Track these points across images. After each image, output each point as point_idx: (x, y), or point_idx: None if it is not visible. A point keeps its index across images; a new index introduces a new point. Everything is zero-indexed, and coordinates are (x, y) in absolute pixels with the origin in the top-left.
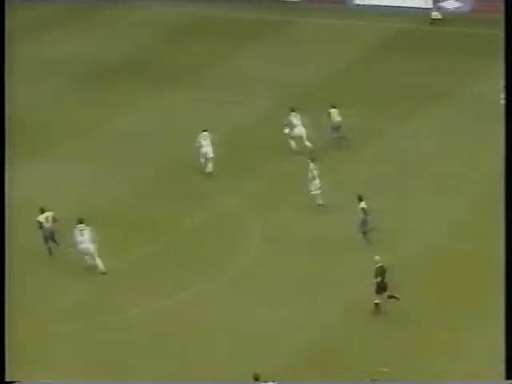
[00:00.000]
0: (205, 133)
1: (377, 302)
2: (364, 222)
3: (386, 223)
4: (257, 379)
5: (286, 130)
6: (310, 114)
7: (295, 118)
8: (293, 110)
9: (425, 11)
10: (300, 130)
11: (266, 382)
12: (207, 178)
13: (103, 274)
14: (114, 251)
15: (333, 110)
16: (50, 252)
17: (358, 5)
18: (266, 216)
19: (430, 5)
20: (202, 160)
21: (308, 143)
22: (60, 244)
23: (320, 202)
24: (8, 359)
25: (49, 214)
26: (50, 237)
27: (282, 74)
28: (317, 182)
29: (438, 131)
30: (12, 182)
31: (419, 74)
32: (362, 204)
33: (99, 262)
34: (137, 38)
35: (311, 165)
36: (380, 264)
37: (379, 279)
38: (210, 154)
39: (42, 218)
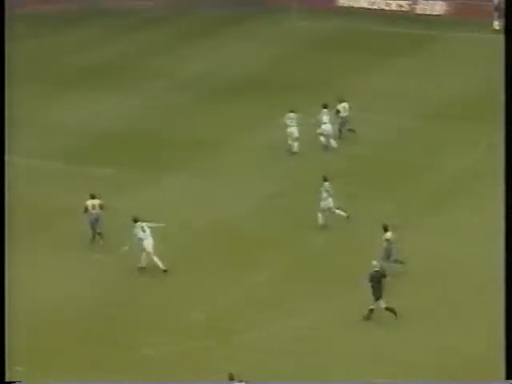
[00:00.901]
0: (291, 114)
1: (372, 308)
2: (388, 254)
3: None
4: (232, 379)
5: (319, 130)
6: (448, 129)
7: (325, 116)
8: (325, 107)
9: None
10: (327, 127)
11: (241, 381)
12: (343, 195)
13: (164, 271)
14: (246, 269)
15: (343, 105)
16: (93, 238)
17: None
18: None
19: None
20: (290, 141)
21: (334, 142)
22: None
23: (322, 222)
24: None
25: (97, 201)
26: (94, 223)
27: (423, 89)
28: (329, 200)
29: None
30: (145, 197)
31: None
32: (388, 235)
33: (157, 260)
34: (272, 52)
35: (326, 184)
36: (376, 268)
37: (374, 284)
38: (296, 135)
39: (89, 203)
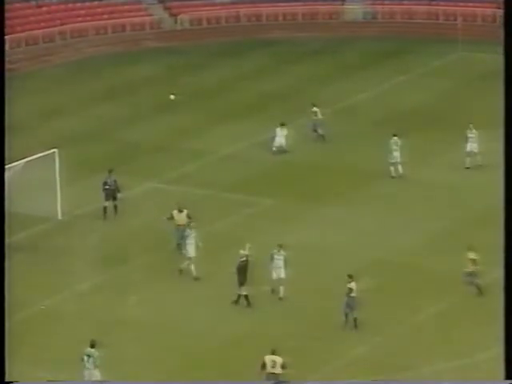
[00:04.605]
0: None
1: (241, 294)
2: (349, 305)
3: None
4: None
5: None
6: None
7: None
8: (395, 135)
9: None
10: (397, 154)
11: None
12: None
13: (196, 279)
14: (408, 305)
15: (315, 109)
16: (181, 252)
17: None
18: None
19: None
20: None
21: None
22: None
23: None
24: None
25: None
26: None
27: None
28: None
29: None
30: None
31: None
32: (352, 284)
33: (193, 268)
34: (435, 85)
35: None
36: (244, 258)
37: (240, 272)
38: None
39: (175, 212)
